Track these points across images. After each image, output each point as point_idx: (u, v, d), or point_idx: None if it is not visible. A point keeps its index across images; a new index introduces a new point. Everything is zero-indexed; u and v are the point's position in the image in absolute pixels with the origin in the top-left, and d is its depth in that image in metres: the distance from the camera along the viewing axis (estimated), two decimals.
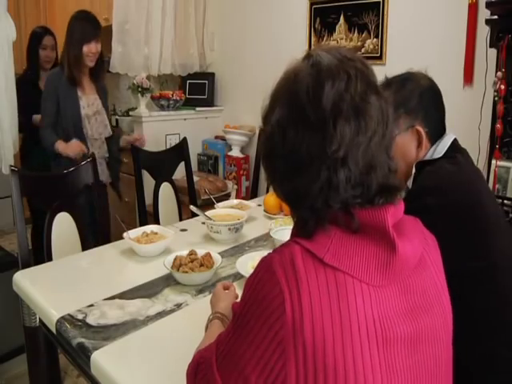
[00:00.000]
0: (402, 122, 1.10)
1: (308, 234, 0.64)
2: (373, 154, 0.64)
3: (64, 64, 2.34)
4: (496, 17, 1.77)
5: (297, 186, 0.66)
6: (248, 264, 1.43)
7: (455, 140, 1.15)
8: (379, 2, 2.49)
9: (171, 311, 1.20)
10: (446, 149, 1.11)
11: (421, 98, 1.10)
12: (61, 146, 2.23)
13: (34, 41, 2.91)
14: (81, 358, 1.04)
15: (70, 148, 2.22)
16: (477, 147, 2.00)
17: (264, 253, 1.47)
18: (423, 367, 0.66)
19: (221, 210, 1.89)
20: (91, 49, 2.33)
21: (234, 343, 0.65)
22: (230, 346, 0.66)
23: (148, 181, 2.42)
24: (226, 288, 1.14)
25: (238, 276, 1.40)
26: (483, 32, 1.96)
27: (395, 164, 0.69)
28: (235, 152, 3.25)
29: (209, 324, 1.00)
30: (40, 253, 1.67)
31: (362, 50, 2.59)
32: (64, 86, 2.32)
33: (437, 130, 1.14)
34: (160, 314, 1.18)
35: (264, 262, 0.64)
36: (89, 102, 2.39)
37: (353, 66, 0.65)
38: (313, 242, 0.63)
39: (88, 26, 2.36)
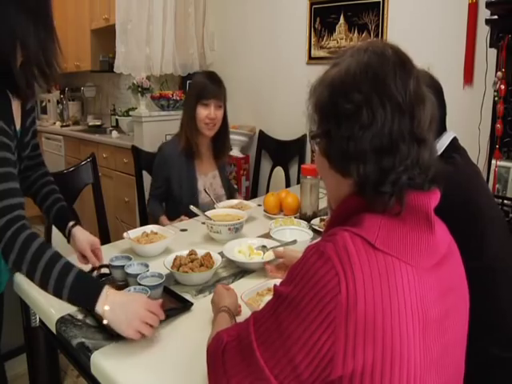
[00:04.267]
0: None
1: (387, 208, 0.68)
2: (433, 139, 0.73)
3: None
4: (496, 17, 1.78)
5: (385, 164, 0.68)
6: (234, 249, 1.51)
7: (454, 139, 1.14)
8: (379, 2, 2.49)
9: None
10: (443, 148, 1.11)
11: None
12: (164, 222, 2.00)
13: None
14: (81, 357, 1.04)
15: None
16: (477, 147, 2.00)
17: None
18: (450, 346, 0.71)
19: (221, 209, 1.89)
20: (209, 113, 1.99)
21: (282, 323, 0.65)
22: (277, 325, 0.66)
23: (148, 181, 2.42)
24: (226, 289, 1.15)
25: (238, 276, 1.40)
26: (483, 32, 1.97)
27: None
28: (235, 152, 3.25)
29: (216, 316, 1.01)
30: None
31: None
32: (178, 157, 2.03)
33: None
34: None
35: (316, 249, 0.66)
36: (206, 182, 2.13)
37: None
38: (363, 229, 0.67)
39: (207, 83, 2.00)
